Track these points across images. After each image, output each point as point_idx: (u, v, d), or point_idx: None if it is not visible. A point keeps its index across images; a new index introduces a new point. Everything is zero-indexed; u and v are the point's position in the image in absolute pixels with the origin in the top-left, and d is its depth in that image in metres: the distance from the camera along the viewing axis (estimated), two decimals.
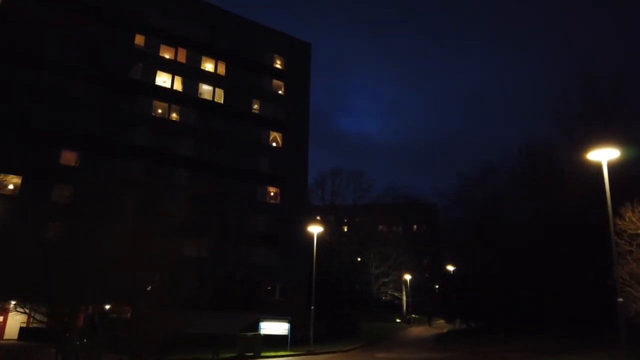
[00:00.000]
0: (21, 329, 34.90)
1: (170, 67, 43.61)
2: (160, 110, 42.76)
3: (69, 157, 37.87)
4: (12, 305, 38.09)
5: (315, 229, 27.18)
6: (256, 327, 23.83)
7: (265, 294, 43.59)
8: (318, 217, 76.13)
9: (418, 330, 46.07)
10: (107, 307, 39.71)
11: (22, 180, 35.63)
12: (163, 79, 43.35)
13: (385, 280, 69.26)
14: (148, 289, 42.11)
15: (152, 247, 39.66)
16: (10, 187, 35.80)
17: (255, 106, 47.65)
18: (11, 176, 35.62)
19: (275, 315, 26.14)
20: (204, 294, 42.16)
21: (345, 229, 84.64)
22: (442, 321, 66.16)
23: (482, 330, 34.81)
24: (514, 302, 29.29)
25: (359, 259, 75.51)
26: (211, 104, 44.92)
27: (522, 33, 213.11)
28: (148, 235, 40.18)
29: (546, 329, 26.36)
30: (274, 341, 24.08)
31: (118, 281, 38.79)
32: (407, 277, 65.57)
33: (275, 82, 49.25)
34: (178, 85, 43.77)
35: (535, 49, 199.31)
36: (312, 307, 23.91)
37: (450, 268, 41.55)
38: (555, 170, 29.41)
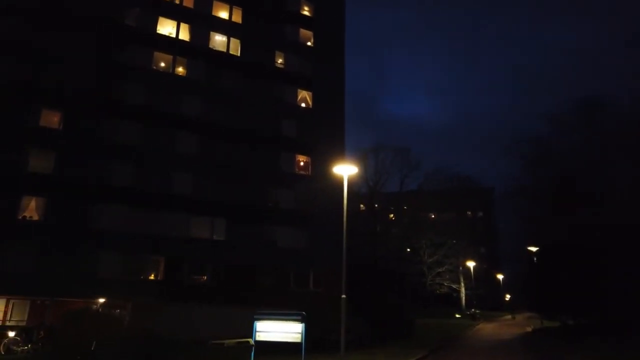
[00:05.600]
0: None
1: (175, 13, 35.06)
2: (162, 64, 34.26)
3: (50, 118, 30.00)
4: None
5: (345, 170, 17.12)
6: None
7: (296, 284, 34.32)
8: (362, 206, 66.53)
9: (490, 328, 35.38)
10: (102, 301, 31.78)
11: None
12: (167, 29, 34.96)
13: (440, 270, 58.35)
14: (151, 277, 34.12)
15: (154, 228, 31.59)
16: None
17: (279, 60, 38.42)
18: None
19: (299, 309, 16.62)
20: (215, 284, 33.55)
21: (392, 217, 74.38)
22: (510, 316, 55.04)
23: (587, 329, 24.13)
24: None
25: (408, 250, 65.30)
26: (225, 56, 36.00)
27: None
28: (148, 213, 32.02)
29: None
30: (287, 348, 14.58)
31: (113, 269, 30.88)
32: (471, 264, 54.41)
33: (303, 31, 39.81)
34: (184, 35, 35.18)
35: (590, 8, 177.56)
36: (343, 296, 14.16)
37: (533, 249, 30.89)
38: None
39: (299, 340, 12.55)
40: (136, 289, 29.12)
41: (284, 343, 12.73)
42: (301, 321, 12.62)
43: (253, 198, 33.92)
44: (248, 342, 12.08)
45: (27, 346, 18.50)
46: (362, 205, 65.46)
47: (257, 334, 12.79)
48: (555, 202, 32.39)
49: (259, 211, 33.97)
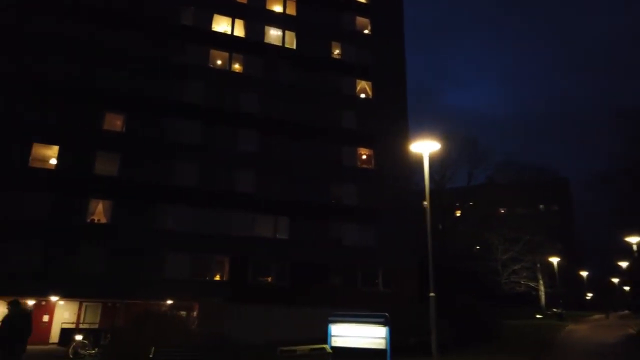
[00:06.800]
0: (63, 330, 27.34)
1: (229, 9, 34.23)
2: (219, 61, 33.52)
3: (113, 121, 29.97)
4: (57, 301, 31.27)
5: (424, 147, 14.55)
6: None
7: (364, 284, 32.28)
8: (425, 203, 63.22)
9: (584, 330, 31.49)
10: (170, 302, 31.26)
11: (60, 151, 28.26)
12: (223, 26, 34.22)
13: (516, 267, 53.94)
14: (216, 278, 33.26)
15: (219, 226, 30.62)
16: (53, 161, 28.65)
17: (336, 51, 36.64)
18: (48, 146, 28.49)
19: (369, 310, 14.53)
20: (281, 284, 32.09)
21: (458, 213, 70.23)
22: (600, 315, 49.92)
23: None
24: None
25: (477, 247, 61.17)
26: (281, 50, 34.75)
27: None
28: (211, 212, 31.17)
29: None
30: (367, 355, 12.62)
31: (180, 270, 30.20)
32: (554, 259, 49.89)
33: (359, 19, 37.81)
34: (239, 31, 34.27)
35: None
36: (432, 294, 11.76)
37: (633, 240, 26.91)
38: None
39: (382, 346, 10.52)
40: (202, 290, 28.41)
41: (364, 349, 10.75)
42: (384, 324, 10.59)
43: (315, 194, 32.31)
44: (324, 348, 10.23)
45: (94, 349, 17.80)
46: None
47: (333, 339, 10.91)
48: None
49: (322, 208, 32.31)
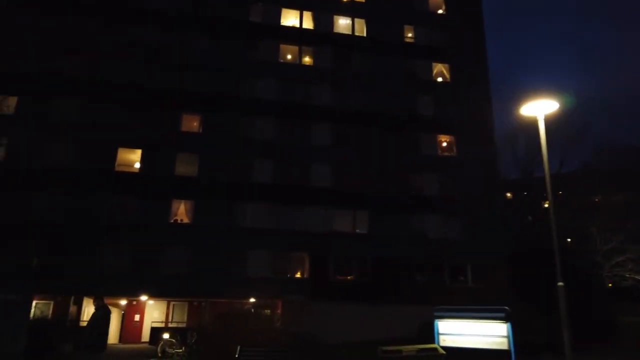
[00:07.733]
0: (153, 329, 27.79)
1: (297, 2, 33.35)
2: (289, 56, 32.78)
3: (190, 122, 30.22)
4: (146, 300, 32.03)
5: (538, 109, 11.80)
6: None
7: (452, 279, 29.95)
8: (509, 194, 58.66)
9: None
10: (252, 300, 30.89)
11: (142, 154, 28.89)
12: (291, 20, 33.48)
13: (620, 259, 48.19)
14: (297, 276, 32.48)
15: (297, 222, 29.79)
16: (137, 165, 29.42)
17: (409, 34, 34.54)
18: (132, 150, 29.22)
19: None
20: (362, 281, 30.60)
21: (546, 205, 64.42)
22: None
23: None
24: None
25: (568, 240, 55.57)
26: (351, 39, 33.33)
27: None
28: (289, 208, 30.39)
29: None
30: (483, 356, 10.71)
31: (261, 268, 29.68)
32: None
33: None
34: (308, 23, 33.35)
35: None
36: (560, 284, 9.63)
37: None
38: None
39: (504, 346, 8.68)
40: (284, 288, 27.69)
41: (482, 350, 8.95)
42: (505, 320, 8.75)
43: (394, 185, 30.50)
44: (435, 349, 8.60)
45: (181, 348, 17.43)
46: (508, 194, 57.69)
47: (441, 337, 9.25)
48: None
49: (402, 200, 30.40)
